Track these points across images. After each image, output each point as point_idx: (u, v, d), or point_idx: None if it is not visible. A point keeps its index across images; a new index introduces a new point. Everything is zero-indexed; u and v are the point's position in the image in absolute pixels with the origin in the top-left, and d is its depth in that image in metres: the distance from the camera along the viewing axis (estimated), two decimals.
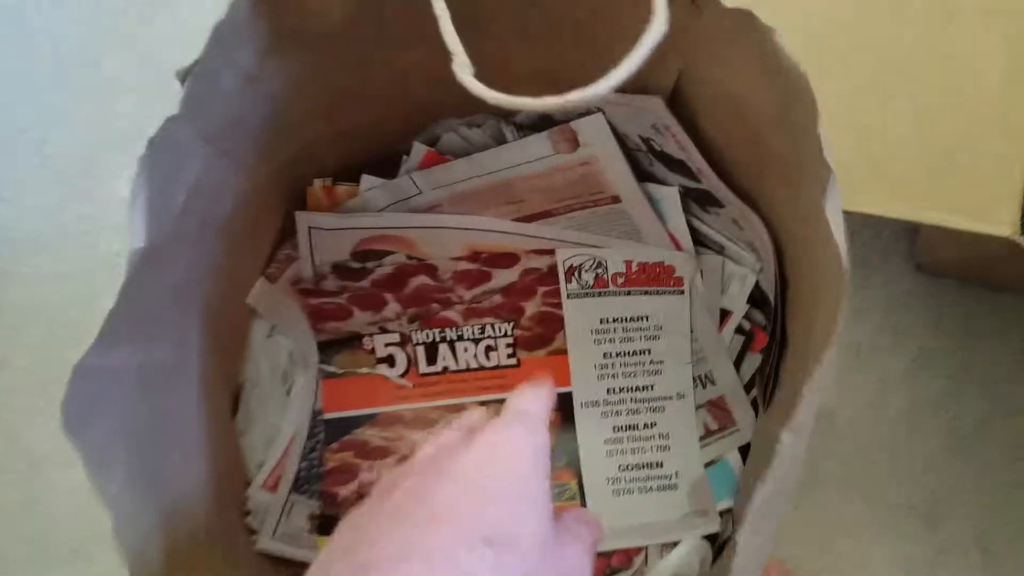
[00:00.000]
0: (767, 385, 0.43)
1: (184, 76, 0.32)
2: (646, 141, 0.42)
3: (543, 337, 0.48)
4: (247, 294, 0.46)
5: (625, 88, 0.37)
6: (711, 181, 0.41)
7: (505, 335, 0.48)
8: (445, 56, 0.29)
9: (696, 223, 0.47)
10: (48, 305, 0.62)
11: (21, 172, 0.64)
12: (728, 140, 0.38)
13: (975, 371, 0.57)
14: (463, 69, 0.29)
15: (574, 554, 0.27)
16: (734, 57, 0.32)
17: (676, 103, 0.39)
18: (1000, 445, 0.56)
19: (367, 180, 0.47)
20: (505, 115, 0.46)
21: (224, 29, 0.32)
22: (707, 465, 0.46)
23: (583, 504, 0.46)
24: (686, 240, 0.47)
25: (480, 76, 0.28)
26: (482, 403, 0.47)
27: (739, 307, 0.47)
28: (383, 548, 0.23)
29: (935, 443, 0.56)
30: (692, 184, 0.43)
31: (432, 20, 0.30)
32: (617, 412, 0.47)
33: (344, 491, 0.46)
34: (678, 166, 0.42)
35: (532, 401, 0.30)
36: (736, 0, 0.30)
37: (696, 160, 0.40)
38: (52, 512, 0.59)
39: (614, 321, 0.48)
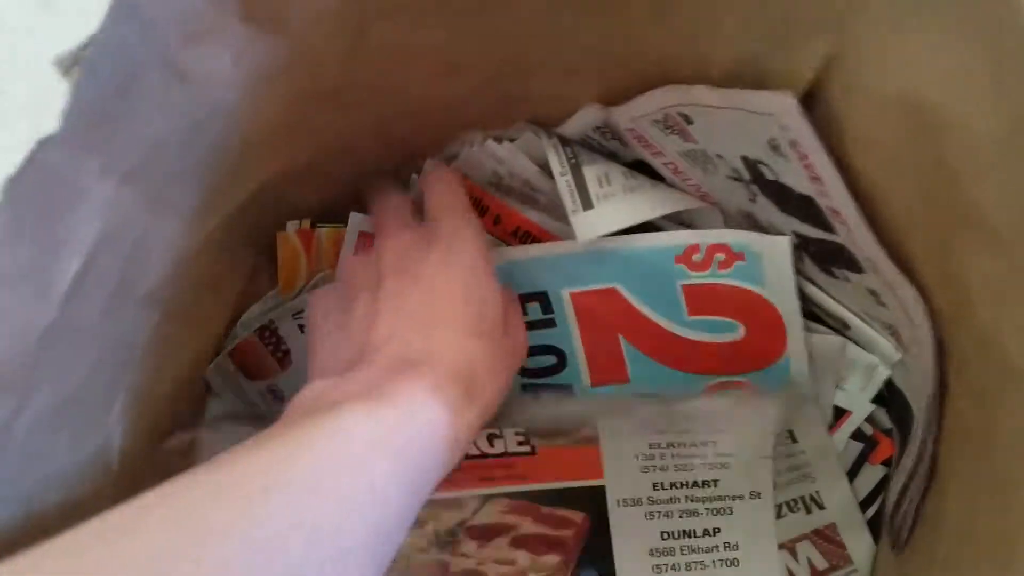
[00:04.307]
0: (899, 519, 0.31)
1: (69, 64, 0.20)
2: (752, 165, 0.29)
3: None
4: (194, 372, 0.34)
5: (736, 81, 0.25)
6: (855, 232, 0.28)
7: None
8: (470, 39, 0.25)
9: (810, 288, 0.34)
10: None
11: None
12: (893, 176, 0.26)
13: None
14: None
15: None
16: (937, 40, 0.21)
17: (812, 107, 0.26)
18: None
19: (356, 221, 0.35)
20: (545, 125, 0.34)
21: None
22: None
23: None
24: (790, 309, 0.34)
25: None
26: (485, 497, 0.36)
27: (860, 408, 0.35)
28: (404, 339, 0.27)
29: None
30: (817, 234, 0.31)
31: None
32: (667, 514, 0.36)
33: None
34: (799, 205, 0.29)
35: (447, 194, 0.32)
36: None
37: (835, 196, 0.27)
38: None
39: None
